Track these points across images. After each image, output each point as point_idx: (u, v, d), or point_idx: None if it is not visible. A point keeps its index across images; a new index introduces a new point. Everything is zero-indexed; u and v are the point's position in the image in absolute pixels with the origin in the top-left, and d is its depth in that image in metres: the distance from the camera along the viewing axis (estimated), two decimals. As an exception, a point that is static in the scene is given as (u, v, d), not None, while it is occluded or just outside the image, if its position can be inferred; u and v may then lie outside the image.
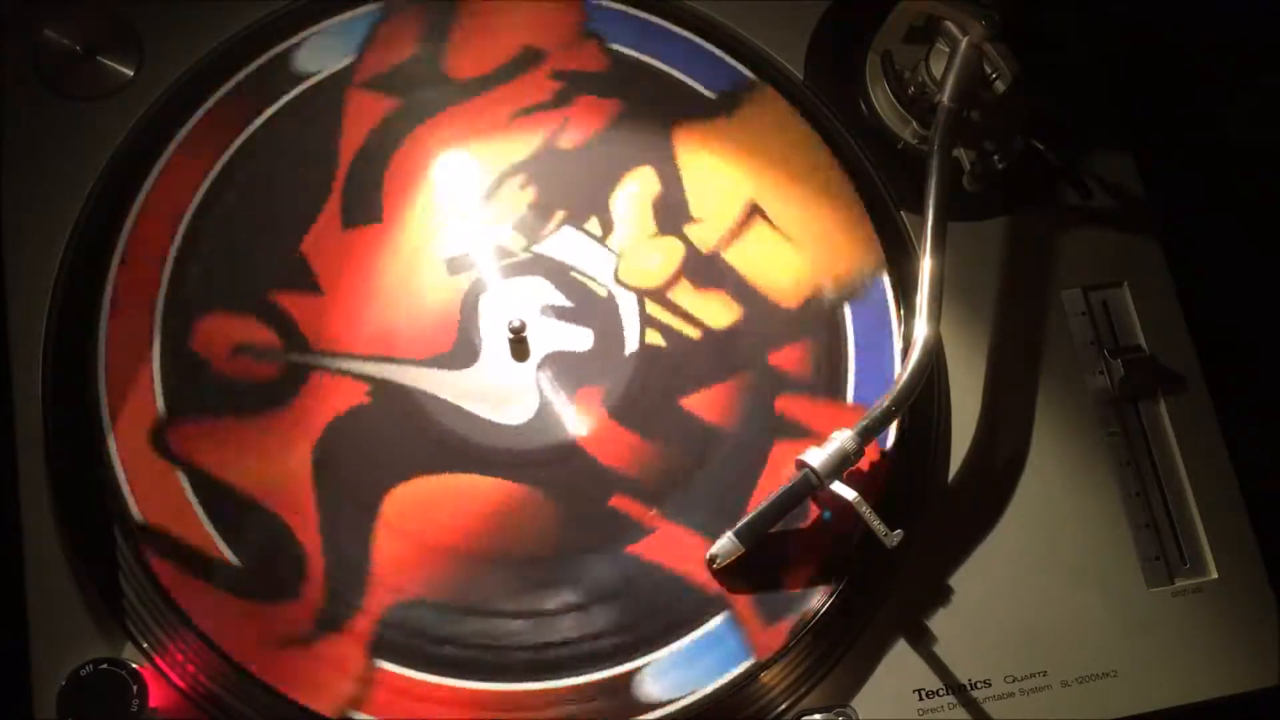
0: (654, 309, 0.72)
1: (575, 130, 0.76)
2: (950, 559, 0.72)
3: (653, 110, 0.76)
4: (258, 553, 0.66)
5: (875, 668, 0.69)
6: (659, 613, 0.67)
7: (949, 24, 0.74)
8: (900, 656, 0.70)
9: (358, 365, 0.70)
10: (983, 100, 0.75)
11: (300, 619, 0.65)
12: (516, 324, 0.70)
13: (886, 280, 0.74)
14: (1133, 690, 0.70)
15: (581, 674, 0.65)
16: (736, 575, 0.67)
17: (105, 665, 0.63)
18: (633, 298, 0.73)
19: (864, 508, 0.66)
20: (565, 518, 0.68)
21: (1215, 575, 0.74)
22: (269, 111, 0.74)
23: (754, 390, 0.71)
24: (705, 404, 0.71)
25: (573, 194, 0.75)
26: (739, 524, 0.66)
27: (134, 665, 0.64)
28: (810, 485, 0.67)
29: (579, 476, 0.69)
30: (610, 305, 0.72)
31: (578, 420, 0.70)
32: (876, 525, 0.65)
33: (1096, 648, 0.71)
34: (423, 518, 0.67)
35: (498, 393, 0.70)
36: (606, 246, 0.74)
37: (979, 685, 0.70)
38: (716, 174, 0.76)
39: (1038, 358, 0.76)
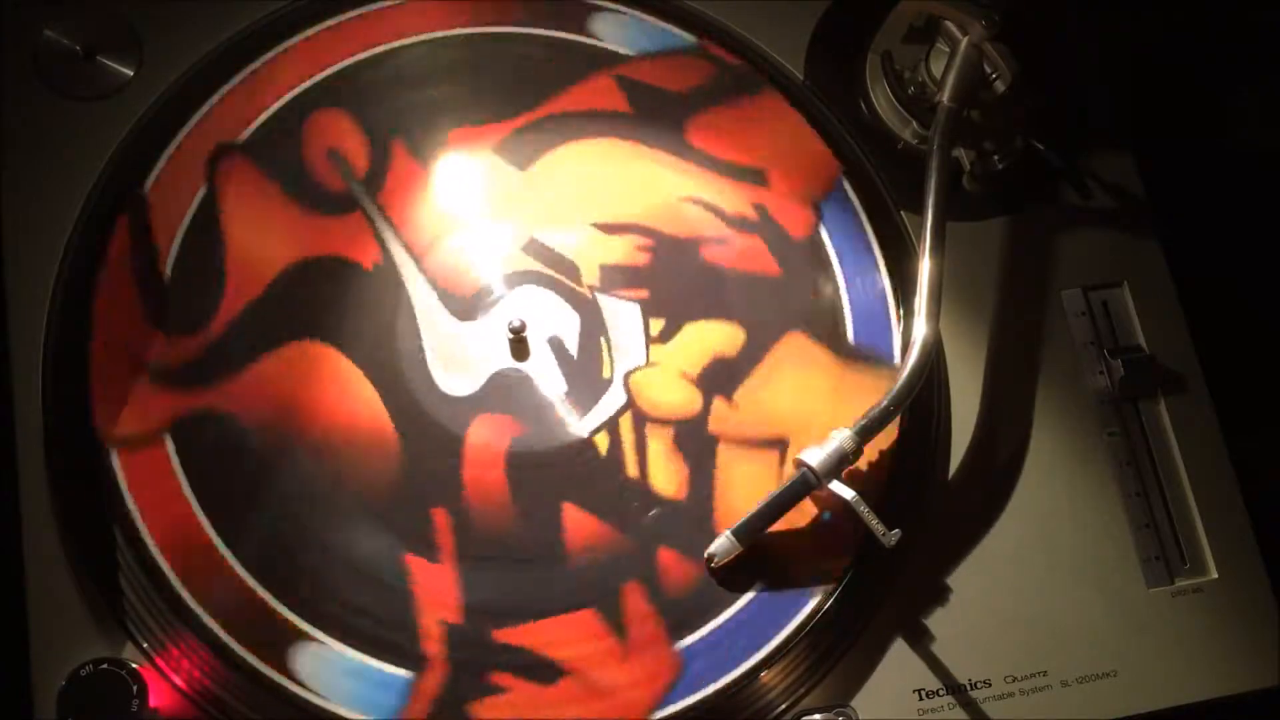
0: (625, 424, 0.70)
1: (724, 255, 0.74)
2: (950, 559, 0.72)
3: (794, 300, 0.74)
4: (187, 287, 0.69)
5: (875, 668, 0.69)
6: (370, 618, 0.65)
7: (949, 24, 0.75)
8: (900, 656, 0.70)
9: (390, 237, 0.72)
10: (983, 100, 0.75)
11: (161, 352, 0.68)
12: (516, 324, 0.70)
13: (811, 604, 0.68)
14: (1133, 690, 0.70)
15: (288, 606, 0.65)
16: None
17: (105, 665, 0.63)
18: (622, 400, 0.71)
19: (862, 507, 0.66)
20: (396, 489, 0.67)
21: (1215, 575, 0.74)
22: (532, 29, 0.76)
23: (625, 558, 0.68)
24: (580, 526, 0.68)
25: (669, 291, 0.73)
26: (737, 523, 0.66)
27: (134, 665, 0.64)
28: (808, 484, 0.67)
29: (438, 472, 0.68)
30: (600, 388, 0.71)
31: (480, 434, 0.69)
32: (875, 525, 0.65)
33: (1096, 648, 0.71)
34: (310, 383, 0.68)
35: (456, 357, 0.70)
36: (647, 348, 0.72)
37: (979, 685, 0.70)
38: (787, 393, 0.72)
39: (1038, 358, 0.76)
